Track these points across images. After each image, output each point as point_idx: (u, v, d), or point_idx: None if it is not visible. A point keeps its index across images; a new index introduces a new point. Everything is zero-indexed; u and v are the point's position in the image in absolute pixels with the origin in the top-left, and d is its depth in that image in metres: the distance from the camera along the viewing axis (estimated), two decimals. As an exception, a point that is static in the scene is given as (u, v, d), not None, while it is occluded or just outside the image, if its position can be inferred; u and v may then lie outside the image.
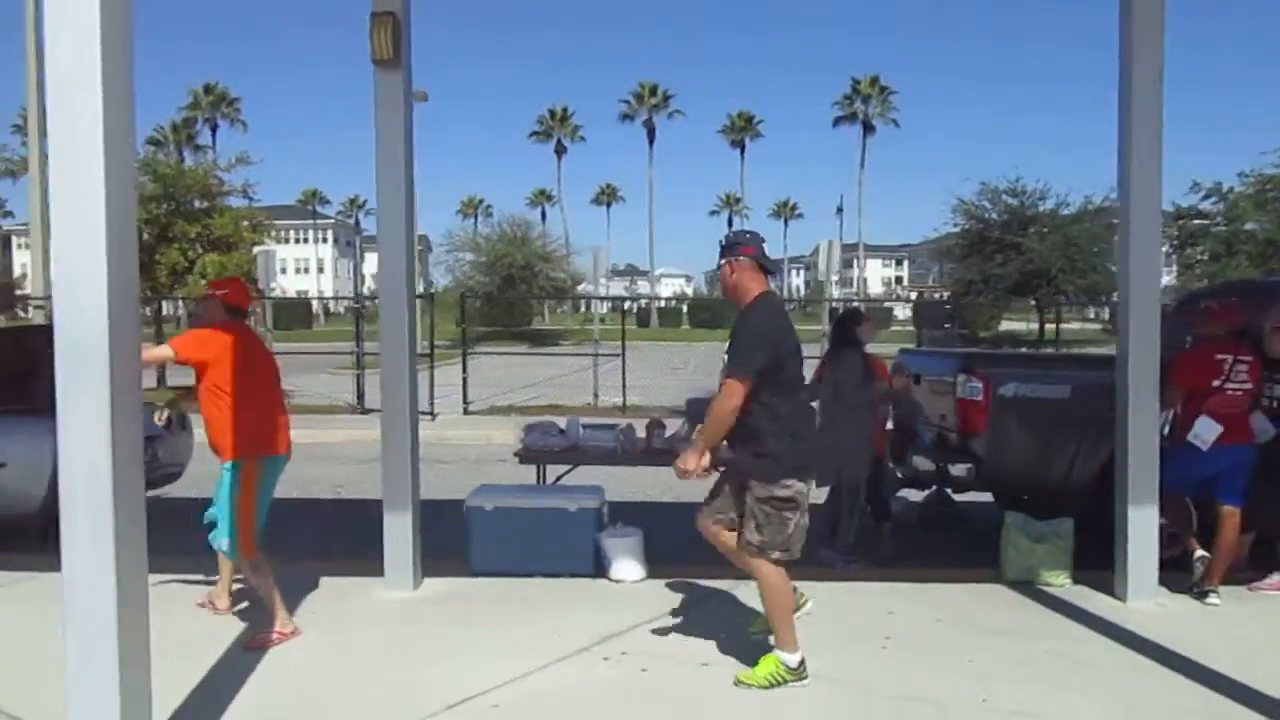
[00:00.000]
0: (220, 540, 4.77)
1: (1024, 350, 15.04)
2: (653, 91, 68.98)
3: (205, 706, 3.92)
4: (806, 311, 61.84)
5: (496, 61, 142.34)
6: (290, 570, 5.83)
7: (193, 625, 4.95)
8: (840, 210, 71.26)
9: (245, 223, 21.38)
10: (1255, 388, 5.42)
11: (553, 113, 73.96)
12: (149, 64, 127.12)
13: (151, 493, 8.73)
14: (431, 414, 16.31)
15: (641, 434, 6.71)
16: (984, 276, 36.58)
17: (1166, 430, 5.52)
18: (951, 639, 4.81)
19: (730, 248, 4.28)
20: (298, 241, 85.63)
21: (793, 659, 4.16)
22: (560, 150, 74.20)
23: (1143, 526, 5.38)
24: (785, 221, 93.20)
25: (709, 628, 4.89)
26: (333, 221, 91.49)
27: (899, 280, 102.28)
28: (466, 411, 16.50)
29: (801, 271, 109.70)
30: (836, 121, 66.65)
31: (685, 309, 63.60)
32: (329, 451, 12.01)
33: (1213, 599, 5.37)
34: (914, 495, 7.83)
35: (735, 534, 4.27)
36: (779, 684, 4.13)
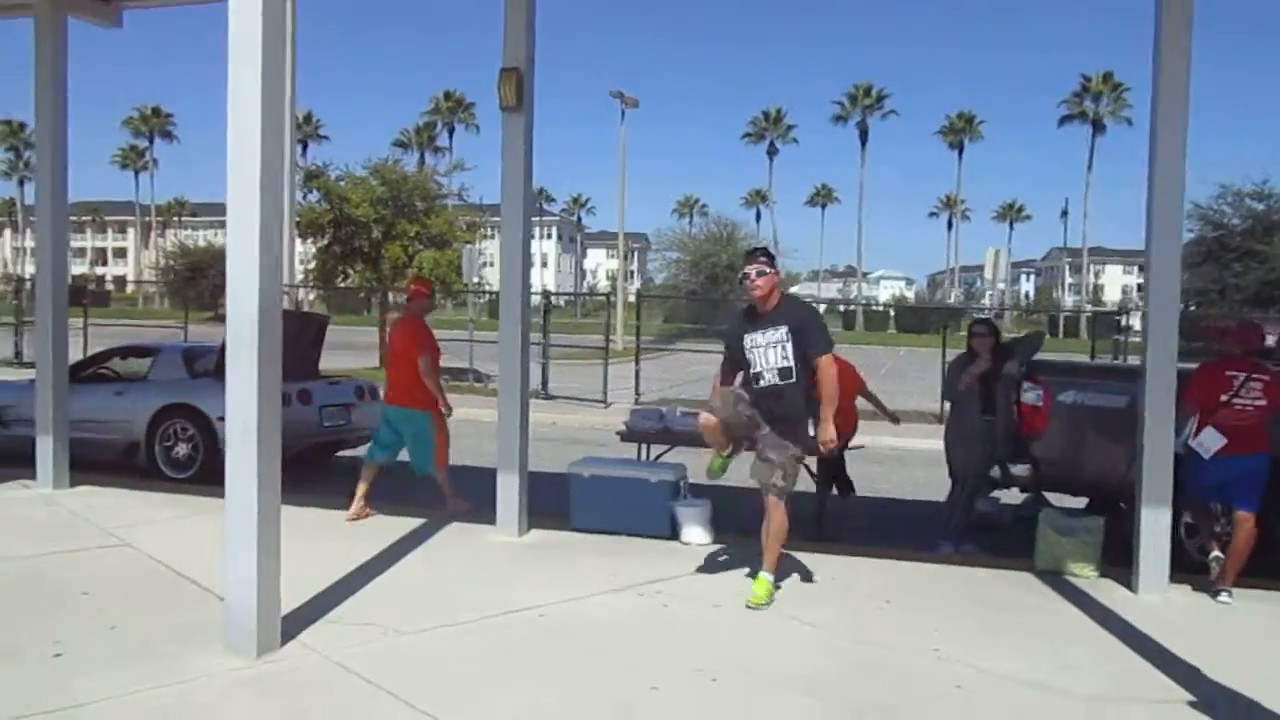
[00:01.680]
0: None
1: (1094, 362, 14.59)
2: (867, 92, 68.43)
3: (330, 592, 5.28)
4: (1031, 318, 59.78)
5: (711, 68, 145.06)
6: (430, 517, 7.25)
7: (340, 544, 6.38)
8: (1065, 214, 68.18)
9: (461, 221, 23.79)
10: (1271, 405, 5.73)
11: (766, 114, 74.72)
12: (400, 68, 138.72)
13: (349, 452, 10.67)
14: (605, 402, 17.80)
15: (727, 421, 7.66)
16: (1220, 286, 34.26)
17: (1189, 439, 5.89)
18: (945, 607, 5.49)
19: (771, 260, 5.59)
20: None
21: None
22: (772, 152, 74.87)
23: (1156, 525, 5.82)
24: (1010, 224, 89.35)
25: (738, 582, 5.82)
26: (556, 218, 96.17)
27: (1140, 288, 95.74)
28: (638, 402, 17.83)
29: (1031, 277, 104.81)
30: (1063, 121, 63.66)
31: (892, 313, 62.83)
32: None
33: (1224, 597, 5.73)
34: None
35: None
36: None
